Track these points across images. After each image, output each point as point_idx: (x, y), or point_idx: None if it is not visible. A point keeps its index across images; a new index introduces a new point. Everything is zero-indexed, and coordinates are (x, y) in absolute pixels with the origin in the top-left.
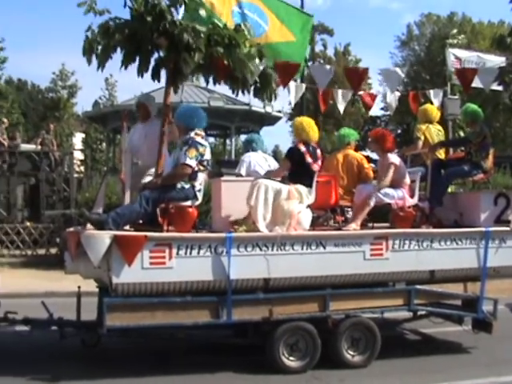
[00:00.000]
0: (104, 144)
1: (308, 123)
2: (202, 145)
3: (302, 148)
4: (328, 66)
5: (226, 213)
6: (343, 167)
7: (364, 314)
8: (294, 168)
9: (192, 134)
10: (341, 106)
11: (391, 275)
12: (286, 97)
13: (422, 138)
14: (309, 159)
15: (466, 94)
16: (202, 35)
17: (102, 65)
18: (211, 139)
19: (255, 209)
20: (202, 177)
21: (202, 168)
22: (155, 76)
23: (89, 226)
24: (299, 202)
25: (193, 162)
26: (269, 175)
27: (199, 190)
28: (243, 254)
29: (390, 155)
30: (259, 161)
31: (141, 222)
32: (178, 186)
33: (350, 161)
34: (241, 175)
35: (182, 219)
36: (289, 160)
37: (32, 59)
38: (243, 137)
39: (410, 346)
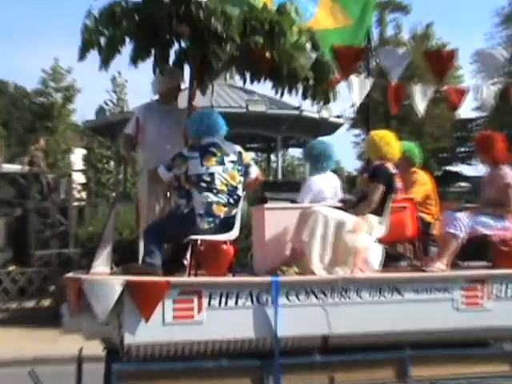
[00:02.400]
0: (112, 163)
1: (387, 137)
2: (184, 156)
3: (392, 169)
4: (401, 50)
5: (271, 250)
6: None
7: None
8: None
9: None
10: (420, 106)
11: (493, 331)
12: (347, 97)
13: None
14: (398, 183)
15: None
16: (234, 22)
17: (106, 62)
18: (251, 154)
19: (310, 246)
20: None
21: (204, 185)
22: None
23: (95, 269)
24: (368, 234)
25: (162, 171)
26: (358, 210)
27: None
28: (294, 304)
29: (505, 171)
30: (326, 186)
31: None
32: None
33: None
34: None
35: (214, 259)
36: (384, 184)
37: (16, 54)
38: (293, 150)
39: None
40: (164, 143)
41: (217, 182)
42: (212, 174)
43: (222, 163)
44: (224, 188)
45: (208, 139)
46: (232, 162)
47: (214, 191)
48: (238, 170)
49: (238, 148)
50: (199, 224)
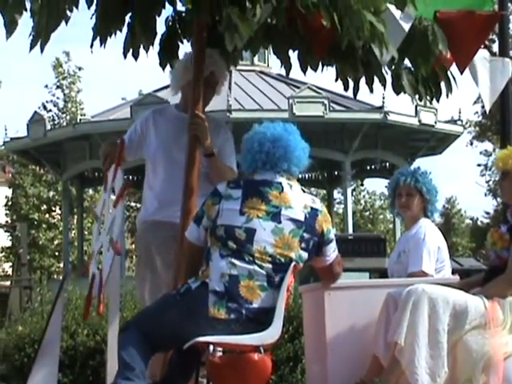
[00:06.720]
0: (58, 210)
1: None
2: (218, 194)
3: None
4: None
5: (337, 359)
6: None
7: None
8: None
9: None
10: None
11: None
12: (467, 89)
13: None
14: None
15: None
16: None
17: (44, 40)
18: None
19: (410, 352)
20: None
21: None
22: (166, 55)
23: None
24: (510, 333)
25: (190, 230)
26: (491, 290)
27: None
28: None
29: None
30: (444, 245)
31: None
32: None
33: None
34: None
35: (238, 378)
36: None
37: None
38: (372, 182)
39: None
40: (178, 178)
41: (256, 245)
42: (251, 231)
43: (275, 218)
44: (266, 258)
45: (266, 175)
46: (294, 220)
47: (247, 259)
48: (302, 238)
49: (317, 202)
50: (212, 310)
